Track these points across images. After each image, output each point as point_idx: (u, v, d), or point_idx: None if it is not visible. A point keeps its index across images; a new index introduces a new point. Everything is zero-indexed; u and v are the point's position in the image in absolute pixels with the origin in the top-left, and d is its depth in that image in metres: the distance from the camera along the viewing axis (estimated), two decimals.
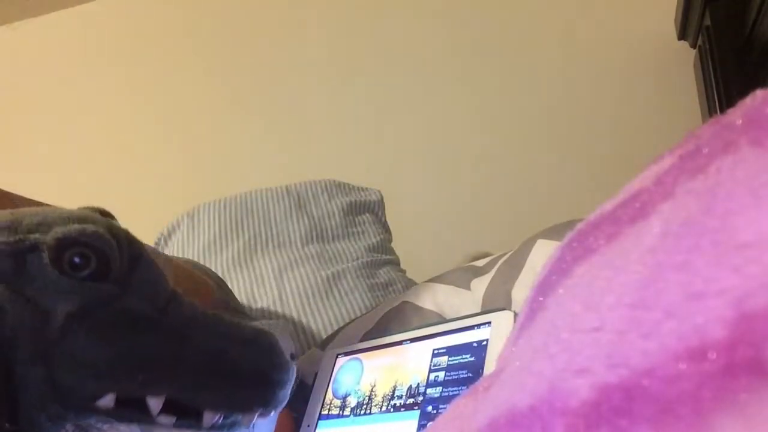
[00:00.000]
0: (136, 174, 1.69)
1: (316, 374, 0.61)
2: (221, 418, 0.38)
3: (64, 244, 0.34)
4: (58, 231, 0.35)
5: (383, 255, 0.98)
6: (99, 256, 0.35)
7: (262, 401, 0.39)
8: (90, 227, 0.36)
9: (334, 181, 1.07)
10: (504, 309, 0.51)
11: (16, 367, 0.32)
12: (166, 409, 0.36)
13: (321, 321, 0.82)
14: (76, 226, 0.35)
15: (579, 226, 0.25)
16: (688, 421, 0.13)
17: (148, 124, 1.72)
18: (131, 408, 0.35)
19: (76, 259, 0.34)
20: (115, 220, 0.42)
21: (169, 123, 1.71)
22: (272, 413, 0.41)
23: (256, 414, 0.40)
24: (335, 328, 0.77)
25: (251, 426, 0.54)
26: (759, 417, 0.12)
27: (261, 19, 1.67)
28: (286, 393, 0.40)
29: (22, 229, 0.35)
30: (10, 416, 0.32)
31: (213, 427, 0.38)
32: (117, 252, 0.36)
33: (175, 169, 1.68)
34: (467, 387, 0.39)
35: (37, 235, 0.35)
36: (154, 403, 0.35)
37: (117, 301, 0.36)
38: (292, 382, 0.40)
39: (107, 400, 0.34)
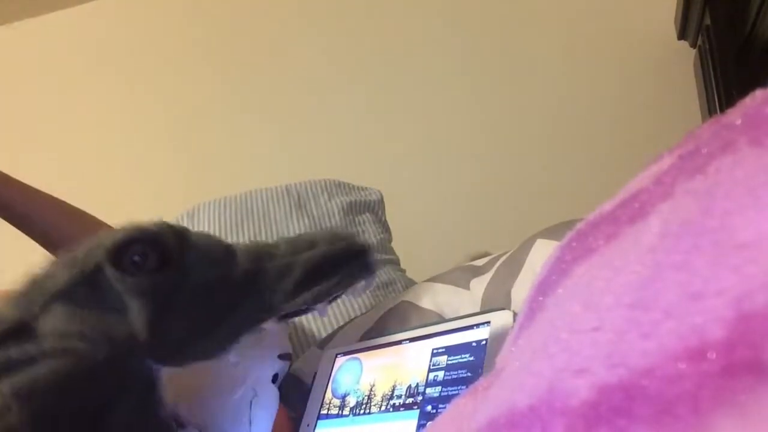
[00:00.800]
0: (136, 173, 1.69)
1: (315, 374, 0.61)
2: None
3: (120, 249, 0.36)
4: (110, 240, 0.37)
5: (383, 255, 0.98)
6: (155, 247, 0.37)
7: (360, 271, 0.41)
8: (135, 226, 0.38)
9: (334, 180, 1.07)
10: (503, 309, 0.51)
11: (105, 400, 0.33)
12: None
13: (320, 320, 0.82)
14: (124, 230, 0.37)
15: (578, 226, 0.25)
16: (687, 421, 0.13)
17: (148, 124, 1.72)
18: None
19: (136, 258, 0.36)
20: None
21: (169, 122, 1.71)
22: (371, 283, 0.43)
23: (362, 283, 0.42)
24: (335, 327, 0.77)
25: (249, 423, 0.54)
26: (758, 417, 0.12)
27: (262, 19, 1.67)
28: (372, 260, 0.42)
29: (81, 257, 0.37)
30: None
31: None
32: (164, 238, 0.38)
33: (175, 169, 1.68)
34: (466, 386, 0.39)
35: (96, 257, 0.36)
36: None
37: (183, 281, 0.37)
38: (372, 253, 0.43)
39: None
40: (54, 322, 0.34)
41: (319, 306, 0.42)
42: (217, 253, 0.40)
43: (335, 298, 0.42)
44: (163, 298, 0.36)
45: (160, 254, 0.37)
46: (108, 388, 0.33)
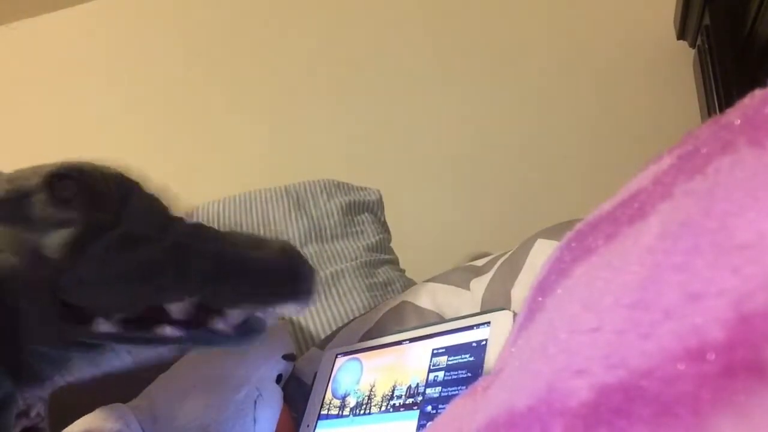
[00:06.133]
0: (136, 174, 1.69)
1: (315, 374, 0.61)
2: (243, 319, 0.38)
3: (51, 179, 0.37)
4: (46, 170, 0.38)
5: (382, 254, 0.98)
6: (86, 186, 0.37)
7: (288, 292, 0.39)
8: (74, 163, 0.38)
9: (333, 180, 1.07)
10: (503, 309, 0.51)
11: (18, 305, 0.34)
12: (181, 323, 0.37)
13: (319, 320, 0.82)
14: (64, 163, 0.38)
15: (578, 226, 0.25)
16: (686, 422, 0.13)
17: (148, 124, 1.72)
18: (139, 327, 0.36)
19: (66, 192, 0.37)
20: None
21: (169, 123, 1.71)
22: (302, 310, 0.41)
23: (285, 307, 0.40)
24: (334, 327, 0.77)
25: (253, 422, 0.54)
26: (758, 418, 0.12)
27: (260, 19, 1.67)
28: (311, 287, 0.40)
29: (17, 181, 0.38)
30: (8, 356, 0.33)
31: (235, 330, 0.38)
32: (104, 183, 0.38)
33: (174, 169, 1.68)
34: (467, 387, 0.39)
35: (31, 182, 0.37)
36: (176, 309, 0.36)
37: (113, 228, 0.37)
38: (315, 282, 0.40)
39: (107, 325, 0.35)
40: None
41: (232, 314, 0.38)
42: (157, 216, 0.40)
43: (250, 310, 0.40)
44: (85, 234, 0.36)
45: (92, 195, 0.37)
46: (18, 297, 0.34)
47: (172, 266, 0.37)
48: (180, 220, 0.40)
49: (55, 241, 0.35)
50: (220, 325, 0.38)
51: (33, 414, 0.38)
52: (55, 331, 0.35)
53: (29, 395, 0.37)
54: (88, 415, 0.48)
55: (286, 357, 0.60)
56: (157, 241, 0.37)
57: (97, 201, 0.38)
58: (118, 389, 0.54)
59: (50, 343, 0.35)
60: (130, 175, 0.42)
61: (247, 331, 0.39)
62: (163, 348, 0.39)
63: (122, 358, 0.38)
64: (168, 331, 0.37)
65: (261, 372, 0.57)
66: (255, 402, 0.54)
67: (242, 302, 0.38)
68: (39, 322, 0.34)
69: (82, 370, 0.38)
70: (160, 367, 0.58)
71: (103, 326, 0.35)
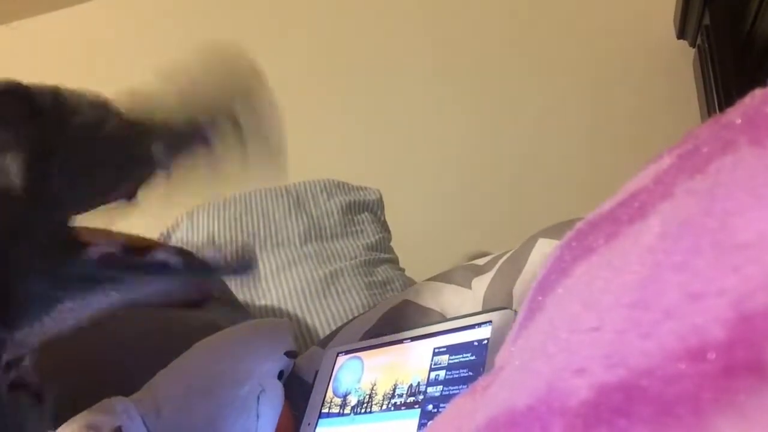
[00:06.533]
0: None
1: (316, 373, 0.61)
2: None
3: None
4: None
5: (381, 253, 0.98)
6: (21, 98, 0.35)
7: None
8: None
9: (333, 180, 1.07)
10: (505, 308, 0.51)
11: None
12: None
13: (319, 319, 0.82)
14: None
15: (578, 225, 0.25)
16: (687, 422, 0.13)
17: None
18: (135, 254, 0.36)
19: (6, 111, 0.35)
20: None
21: None
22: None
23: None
24: (333, 326, 0.77)
25: (256, 417, 0.54)
26: (758, 418, 0.12)
27: (259, 19, 1.67)
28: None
29: None
30: None
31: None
32: (40, 89, 0.37)
33: None
34: (468, 386, 0.39)
35: None
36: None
37: (62, 129, 0.36)
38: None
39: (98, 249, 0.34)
40: None
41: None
42: (95, 101, 0.39)
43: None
44: (37, 147, 0.34)
45: (28, 104, 0.35)
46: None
47: (130, 139, 0.37)
48: (111, 102, 0.39)
49: (8, 167, 0.33)
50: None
51: (22, 366, 0.37)
52: (50, 262, 0.34)
53: (18, 342, 0.35)
54: (91, 408, 0.48)
55: (288, 354, 0.60)
56: (106, 122, 0.37)
57: (34, 108, 0.36)
58: (120, 383, 0.54)
59: (44, 278, 0.33)
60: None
61: (242, 262, 0.39)
62: (157, 284, 0.38)
63: (110, 297, 0.37)
64: (162, 255, 0.36)
65: (264, 368, 0.57)
66: (258, 397, 0.54)
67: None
68: (31, 256, 0.33)
69: (71, 312, 0.36)
70: (162, 361, 0.57)
71: (99, 249, 0.35)
